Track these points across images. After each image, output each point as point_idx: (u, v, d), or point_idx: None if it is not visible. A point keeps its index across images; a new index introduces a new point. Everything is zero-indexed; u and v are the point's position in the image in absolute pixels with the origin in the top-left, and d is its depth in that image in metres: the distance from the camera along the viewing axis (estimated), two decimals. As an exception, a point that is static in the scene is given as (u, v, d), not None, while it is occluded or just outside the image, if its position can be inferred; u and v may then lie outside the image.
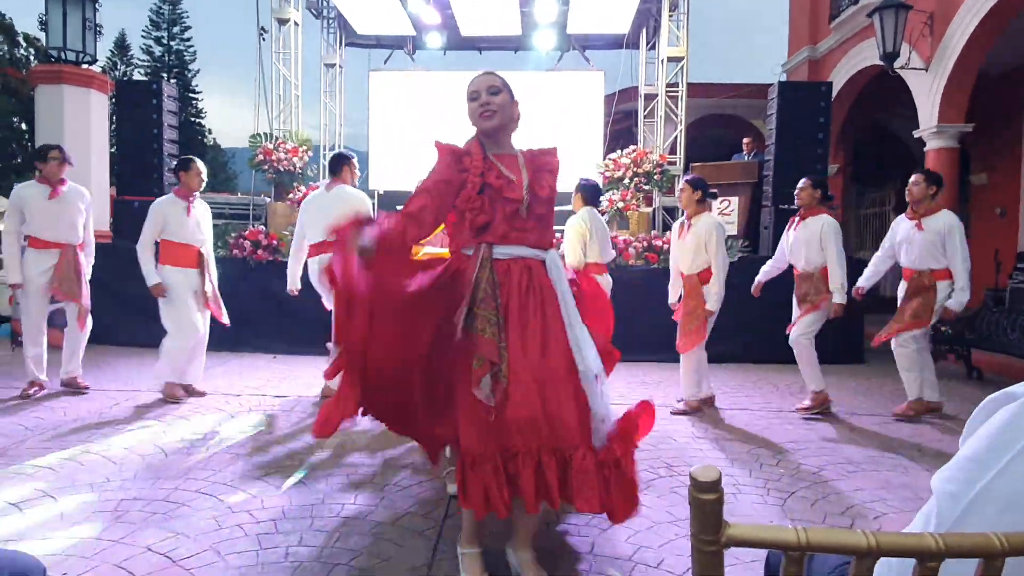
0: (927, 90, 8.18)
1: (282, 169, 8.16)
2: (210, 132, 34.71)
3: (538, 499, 1.92)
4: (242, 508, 2.73)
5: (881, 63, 8.02)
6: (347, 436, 3.76)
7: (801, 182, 4.58)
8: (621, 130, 11.43)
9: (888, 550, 0.65)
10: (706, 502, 0.64)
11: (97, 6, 8.12)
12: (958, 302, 4.22)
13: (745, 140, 9.04)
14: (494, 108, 2.13)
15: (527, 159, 2.21)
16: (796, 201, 4.61)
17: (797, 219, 4.57)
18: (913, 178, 4.42)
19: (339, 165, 4.70)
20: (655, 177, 8.29)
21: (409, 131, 9.81)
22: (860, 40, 9.50)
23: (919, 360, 4.42)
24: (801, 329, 4.48)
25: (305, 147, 8.46)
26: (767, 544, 0.66)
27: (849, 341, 6.49)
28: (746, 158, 8.67)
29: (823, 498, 3.00)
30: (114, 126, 9.02)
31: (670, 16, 9.15)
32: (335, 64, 10.66)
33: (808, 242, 4.43)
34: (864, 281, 4.71)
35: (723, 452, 3.65)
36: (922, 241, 4.31)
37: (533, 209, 2.12)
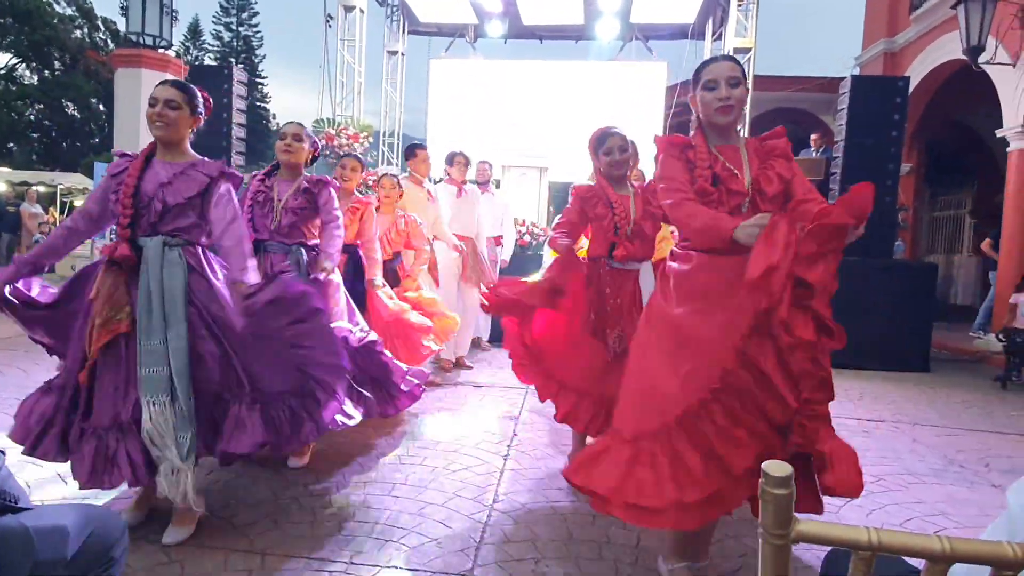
0: (1014, 87, 7.72)
1: (343, 155, 8.33)
2: (274, 117, 35.77)
3: None
4: (299, 481, 2.83)
5: (964, 57, 7.61)
6: (401, 417, 3.85)
7: None
8: (682, 122, 11.20)
9: (964, 556, 0.63)
10: (778, 497, 0.63)
11: (175, -8, 8.45)
12: None
13: (813, 136, 8.74)
14: (732, 103, 1.95)
15: (751, 149, 2.03)
16: None
17: None
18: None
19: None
20: (715, 171, 8.13)
21: (468, 118, 9.87)
22: (942, 33, 9.04)
23: None
24: None
25: (366, 133, 8.63)
26: (837, 542, 0.65)
27: (916, 348, 6.23)
28: (814, 154, 8.39)
29: (880, 508, 2.90)
30: (187, 109, 9.39)
31: (738, 5, 8.91)
32: (397, 52, 10.81)
33: None
34: None
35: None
36: None
37: (758, 206, 1.95)
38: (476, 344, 6.08)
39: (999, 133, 8.04)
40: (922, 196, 11.98)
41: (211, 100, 2.50)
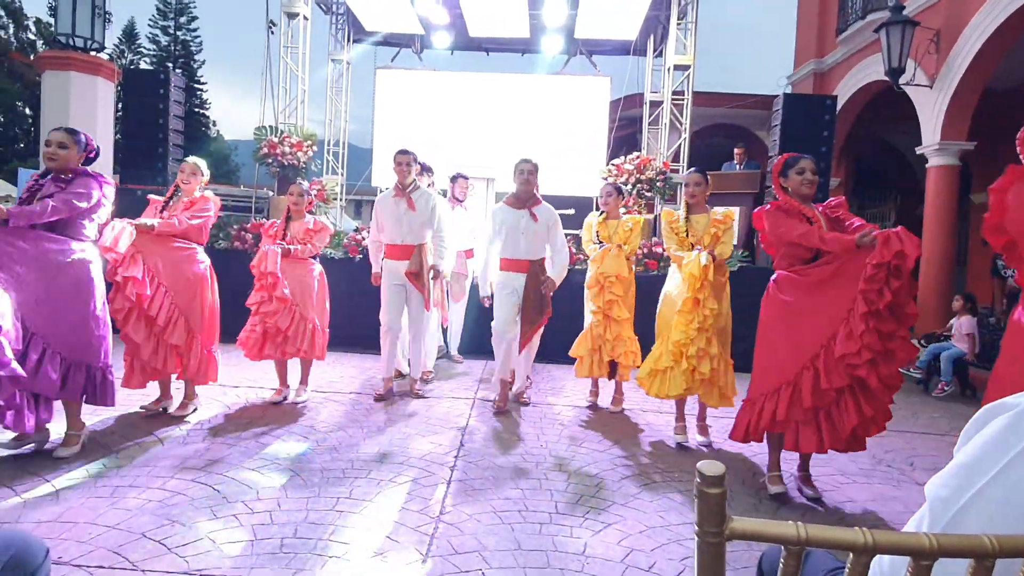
0: (931, 107, 8.21)
1: (286, 163, 8.17)
2: (214, 124, 34.73)
3: None
4: (237, 498, 2.74)
5: (886, 78, 8.06)
6: (344, 431, 3.78)
7: None
8: (625, 136, 11.45)
9: (884, 547, 0.67)
10: (711, 495, 0.66)
11: (107, -7, 8.14)
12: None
13: (736, 150, 9.01)
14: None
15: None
16: None
17: None
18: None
19: None
20: (657, 184, 8.32)
21: (414, 129, 9.82)
22: (866, 55, 9.55)
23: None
24: None
25: (310, 142, 8.47)
26: (768, 538, 0.68)
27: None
28: (737, 167, 8.70)
29: (813, 509, 3.02)
30: (119, 114, 9.03)
31: (678, 24, 9.19)
32: (342, 60, 10.68)
33: None
34: None
35: (718, 460, 3.66)
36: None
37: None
38: (445, 355, 6.16)
39: (919, 150, 8.53)
40: (850, 208, 12.58)
41: None
